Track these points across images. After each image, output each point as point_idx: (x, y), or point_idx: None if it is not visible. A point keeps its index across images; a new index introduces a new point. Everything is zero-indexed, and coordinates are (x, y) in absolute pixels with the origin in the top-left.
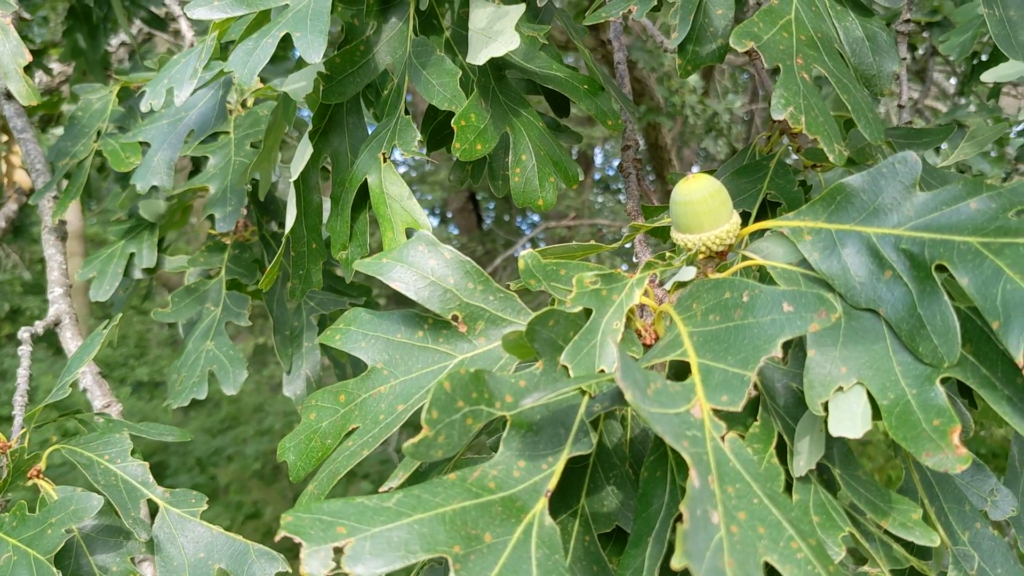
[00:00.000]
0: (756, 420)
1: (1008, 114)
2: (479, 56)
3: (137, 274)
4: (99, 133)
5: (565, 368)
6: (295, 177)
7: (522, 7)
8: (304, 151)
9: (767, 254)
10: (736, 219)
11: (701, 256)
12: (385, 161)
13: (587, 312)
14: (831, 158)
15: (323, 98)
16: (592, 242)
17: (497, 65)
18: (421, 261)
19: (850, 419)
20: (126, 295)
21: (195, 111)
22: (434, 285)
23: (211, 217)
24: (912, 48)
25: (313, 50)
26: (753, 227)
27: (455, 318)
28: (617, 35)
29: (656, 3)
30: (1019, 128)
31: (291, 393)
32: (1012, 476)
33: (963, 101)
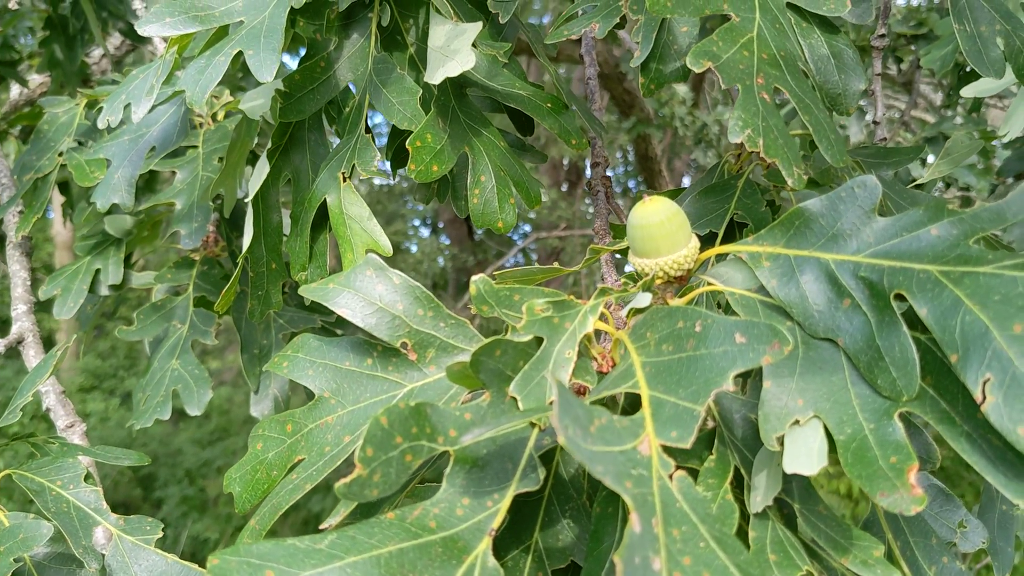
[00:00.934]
0: (712, 454)
1: (994, 126)
2: (435, 75)
3: (104, 290)
4: (65, 147)
5: (515, 399)
6: (252, 196)
7: (479, 25)
8: (262, 170)
9: (727, 279)
10: (695, 243)
11: (659, 281)
12: (345, 181)
13: (538, 340)
14: (790, 182)
15: (281, 116)
16: (555, 265)
17: (458, 83)
18: (369, 287)
19: (806, 455)
20: (93, 312)
21: (157, 127)
22: (382, 312)
23: (176, 233)
24: (898, 60)
25: (265, 69)
26: (711, 251)
27: (404, 345)
28: (588, 50)
29: (619, 20)
30: (1004, 140)
31: (258, 413)
32: (987, 502)
33: (949, 113)
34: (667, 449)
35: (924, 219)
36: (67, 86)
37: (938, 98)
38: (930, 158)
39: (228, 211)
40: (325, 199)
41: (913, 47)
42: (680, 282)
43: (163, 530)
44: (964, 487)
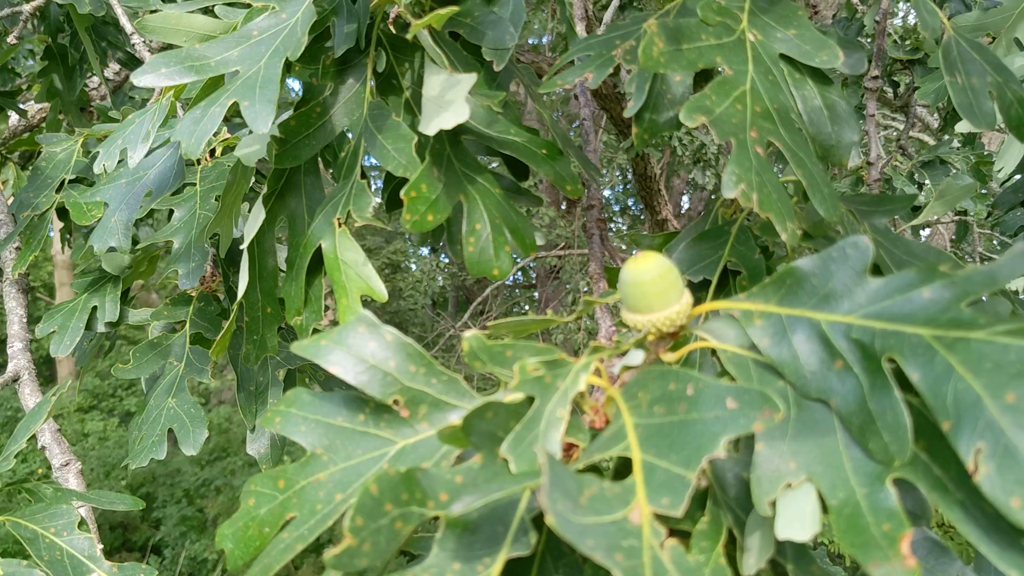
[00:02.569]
0: (704, 515)
1: (991, 151)
2: (429, 127)
3: (100, 327)
4: (62, 184)
5: (506, 460)
6: (247, 243)
7: (474, 77)
8: (257, 215)
9: (719, 335)
10: (687, 299)
11: (651, 337)
12: (340, 227)
13: (530, 400)
14: (783, 237)
15: (277, 162)
16: (549, 314)
17: (453, 131)
18: (360, 344)
19: (799, 519)
20: (90, 347)
21: (154, 170)
22: (374, 369)
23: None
24: (895, 84)
25: (261, 120)
26: (703, 308)
27: (396, 402)
28: (583, 91)
29: (612, 70)
30: (1000, 175)
31: (255, 452)
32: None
33: (946, 138)
34: (656, 517)
35: (916, 281)
36: (66, 115)
37: (934, 120)
38: (928, 181)
39: (224, 251)
40: (320, 244)
41: (909, 71)
42: (673, 337)
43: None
44: (961, 537)
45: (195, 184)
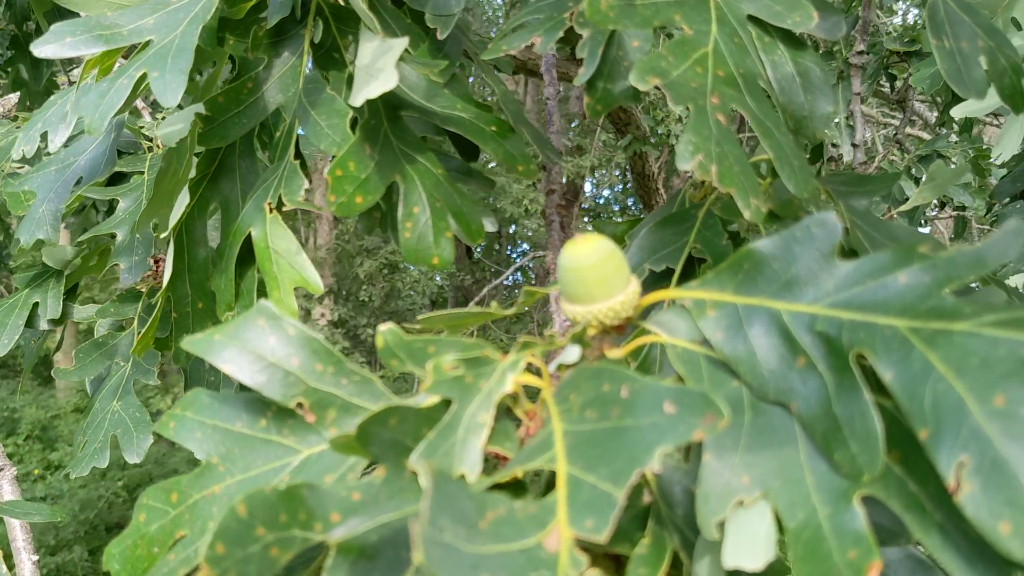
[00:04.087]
0: (645, 536)
1: (990, 145)
2: (357, 97)
3: (43, 325)
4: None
5: (415, 474)
6: (167, 230)
7: (404, 41)
8: (181, 201)
9: (670, 328)
10: (634, 287)
11: (593, 331)
12: (271, 212)
13: (447, 403)
14: (746, 215)
15: (201, 142)
16: (494, 306)
17: (391, 105)
18: (259, 339)
19: (751, 544)
20: (36, 346)
21: (85, 156)
22: (274, 368)
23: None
24: (892, 78)
25: (170, 92)
26: (652, 297)
27: (300, 406)
28: (548, 68)
29: (562, 34)
30: (998, 161)
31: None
32: None
33: (944, 131)
34: (578, 543)
35: (891, 264)
36: (33, 105)
37: (933, 116)
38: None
39: (165, 244)
40: (250, 232)
41: (907, 64)
42: (619, 331)
43: None
44: None
45: (143, 172)
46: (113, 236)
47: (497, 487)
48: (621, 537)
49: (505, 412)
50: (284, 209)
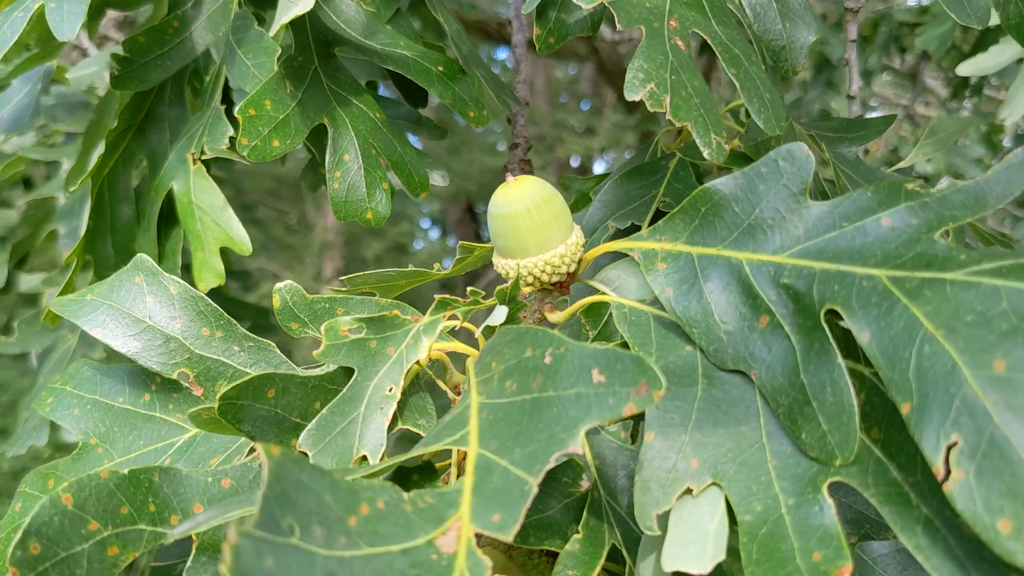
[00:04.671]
0: (578, 530)
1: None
2: (274, 25)
3: None
4: None
5: (303, 455)
6: (78, 185)
7: None
8: (95, 154)
9: (618, 286)
10: (576, 238)
11: (529, 288)
12: (195, 164)
13: (347, 373)
14: (705, 153)
15: (116, 85)
16: (436, 267)
17: (324, 41)
18: (134, 299)
19: (697, 542)
20: None
21: (7, 108)
22: (152, 332)
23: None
24: (902, 50)
25: (67, 24)
26: (597, 250)
27: (184, 377)
28: (517, 14)
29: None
30: (1006, 122)
31: None
32: None
33: (955, 106)
34: (481, 540)
35: (873, 204)
36: None
37: (945, 93)
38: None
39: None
40: (172, 187)
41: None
42: (561, 289)
43: None
44: None
45: None
46: (53, 200)
47: (403, 473)
48: (551, 531)
49: (425, 386)
50: (205, 158)
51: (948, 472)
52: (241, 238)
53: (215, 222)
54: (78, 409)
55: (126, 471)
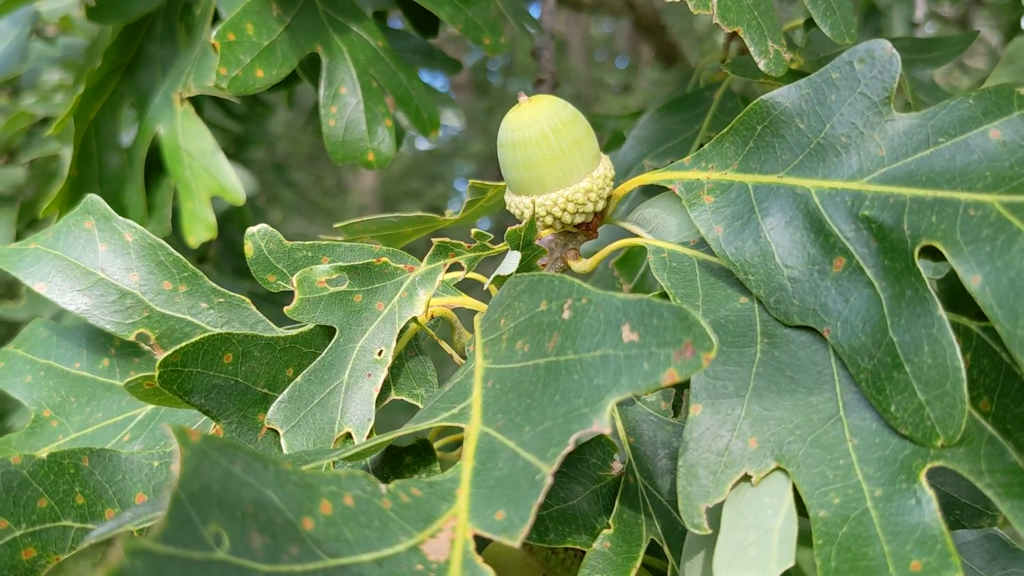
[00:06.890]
0: (609, 524)
1: None
2: None
3: None
4: None
5: (274, 433)
6: (56, 129)
7: None
8: (73, 91)
9: (656, 227)
10: (605, 170)
11: (548, 231)
12: (182, 104)
13: (327, 332)
14: (761, 64)
15: (93, 16)
16: (448, 214)
17: None
18: (83, 248)
19: (758, 544)
20: None
21: None
22: (104, 286)
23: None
24: None
25: None
26: (630, 183)
27: (144, 338)
28: None
29: None
30: None
31: None
32: None
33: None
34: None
35: (977, 113)
36: None
37: (996, 41)
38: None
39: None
40: (158, 131)
41: None
42: (587, 231)
43: None
44: None
45: None
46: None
47: (395, 455)
48: (576, 525)
49: (427, 349)
50: (190, 95)
51: None
52: (233, 185)
53: (204, 168)
54: (31, 376)
55: (44, 454)
